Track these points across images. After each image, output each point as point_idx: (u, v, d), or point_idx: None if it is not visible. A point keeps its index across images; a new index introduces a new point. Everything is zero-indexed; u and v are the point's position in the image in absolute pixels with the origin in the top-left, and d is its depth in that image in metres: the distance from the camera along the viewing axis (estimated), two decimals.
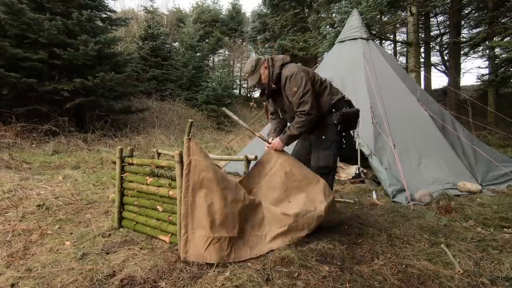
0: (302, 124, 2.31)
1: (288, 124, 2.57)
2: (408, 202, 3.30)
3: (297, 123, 2.32)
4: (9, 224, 2.58)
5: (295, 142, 2.62)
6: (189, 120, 2.10)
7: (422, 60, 14.09)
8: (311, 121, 2.31)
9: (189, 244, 1.95)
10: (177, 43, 18.47)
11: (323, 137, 2.39)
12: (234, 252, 1.99)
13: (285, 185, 2.41)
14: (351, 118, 2.44)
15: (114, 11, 9.80)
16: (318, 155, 2.41)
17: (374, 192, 3.75)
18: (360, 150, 4.24)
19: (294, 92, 2.28)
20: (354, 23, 5.53)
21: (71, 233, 2.43)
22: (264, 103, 2.70)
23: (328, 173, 2.42)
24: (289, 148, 2.58)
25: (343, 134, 2.44)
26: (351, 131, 2.60)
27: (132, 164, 2.53)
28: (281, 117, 2.64)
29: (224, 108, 2.71)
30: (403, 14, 11.78)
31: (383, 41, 15.53)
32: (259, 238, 2.12)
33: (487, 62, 13.19)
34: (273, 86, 2.41)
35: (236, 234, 2.03)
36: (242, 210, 2.09)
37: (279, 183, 2.42)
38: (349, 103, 2.49)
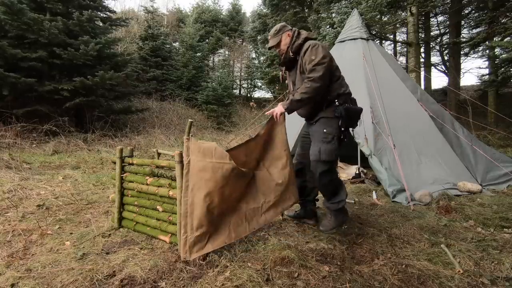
0: (306, 90, 2.26)
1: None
2: (408, 202, 3.30)
3: (302, 89, 2.28)
4: (9, 224, 2.58)
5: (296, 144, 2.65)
6: (189, 120, 2.10)
7: (422, 60, 14.09)
8: (316, 90, 2.25)
9: (189, 244, 1.96)
10: (177, 43, 18.48)
11: (324, 130, 2.36)
12: (233, 231, 2.09)
13: (285, 145, 2.48)
14: (353, 116, 2.39)
15: (114, 11, 9.80)
16: (319, 148, 2.33)
17: (374, 192, 3.75)
18: (360, 150, 4.24)
19: (311, 60, 2.29)
20: (354, 23, 5.53)
21: (71, 233, 2.43)
22: (281, 73, 2.72)
23: (330, 170, 2.34)
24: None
25: (342, 129, 2.38)
26: (351, 129, 2.57)
27: (132, 164, 2.53)
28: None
29: None
30: (403, 14, 11.78)
31: (383, 41, 15.54)
32: (255, 211, 2.24)
33: (487, 62, 13.22)
34: (291, 54, 2.44)
35: (232, 216, 2.14)
36: (237, 196, 2.20)
37: (281, 142, 2.47)
38: (353, 101, 2.48)
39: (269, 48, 2.64)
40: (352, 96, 2.50)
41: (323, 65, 2.25)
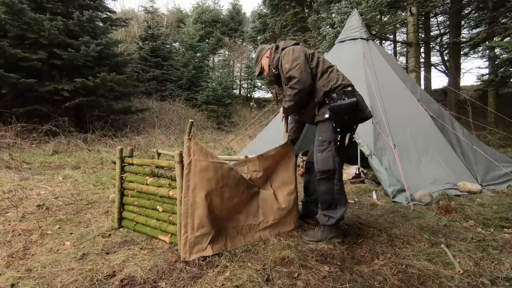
0: (288, 98, 2.26)
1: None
2: (408, 202, 3.30)
3: (286, 97, 2.29)
4: (9, 224, 2.58)
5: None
6: (190, 120, 2.09)
7: (422, 60, 14.10)
8: (295, 96, 2.21)
9: (190, 244, 1.96)
10: (177, 43, 18.50)
11: (320, 138, 2.26)
12: (229, 241, 2.12)
13: (295, 171, 2.55)
14: (341, 113, 2.12)
15: (114, 12, 9.81)
16: (317, 159, 2.26)
17: (374, 192, 3.75)
18: (360, 150, 4.24)
19: (285, 69, 2.24)
20: (354, 23, 5.53)
21: (71, 233, 2.43)
22: (273, 90, 2.73)
23: (329, 178, 2.22)
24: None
25: (338, 130, 2.18)
26: (354, 127, 2.31)
27: (132, 164, 2.53)
28: None
29: None
30: (403, 14, 11.79)
31: (383, 41, 15.54)
32: (251, 227, 2.27)
33: (487, 62, 13.23)
34: (274, 71, 2.41)
35: (229, 225, 2.16)
36: (237, 203, 2.21)
37: (292, 166, 2.53)
38: (347, 94, 2.18)
39: (258, 75, 2.65)
40: (348, 87, 2.23)
41: (295, 68, 2.17)
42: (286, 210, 2.41)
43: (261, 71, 2.56)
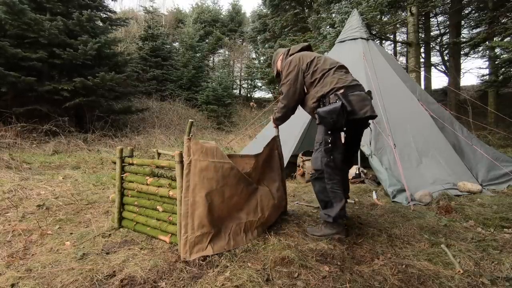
0: (277, 109, 2.50)
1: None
2: (408, 202, 3.30)
3: (277, 108, 2.50)
4: (9, 224, 2.58)
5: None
6: (190, 120, 2.09)
7: (422, 60, 14.09)
8: (283, 109, 2.45)
9: (190, 244, 1.96)
10: (177, 43, 18.49)
11: (316, 139, 2.37)
12: (232, 239, 2.13)
13: (279, 169, 2.73)
14: (326, 116, 2.14)
15: (114, 12, 9.81)
16: (312, 158, 2.39)
17: (374, 192, 3.75)
18: (360, 150, 4.24)
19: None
20: (354, 23, 5.53)
21: (71, 233, 2.43)
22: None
23: (320, 177, 2.29)
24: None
25: (329, 133, 2.21)
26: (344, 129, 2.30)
27: (132, 164, 2.53)
28: None
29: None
30: (403, 14, 11.79)
31: (383, 41, 15.54)
32: (252, 224, 2.29)
33: (487, 63, 13.23)
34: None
35: (231, 224, 2.17)
36: (237, 202, 2.23)
37: (276, 164, 2.70)
38: (338, 97, 2.17)
39: (276, 77, 2.77)
40: (341, 90, 2.19)
41: (286, 84, 2.35)
42: (276, 206, 2.56)
43: (278, 72, 2.69)
